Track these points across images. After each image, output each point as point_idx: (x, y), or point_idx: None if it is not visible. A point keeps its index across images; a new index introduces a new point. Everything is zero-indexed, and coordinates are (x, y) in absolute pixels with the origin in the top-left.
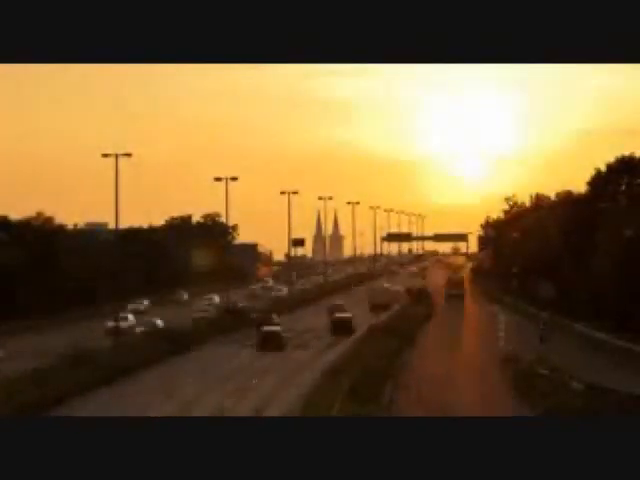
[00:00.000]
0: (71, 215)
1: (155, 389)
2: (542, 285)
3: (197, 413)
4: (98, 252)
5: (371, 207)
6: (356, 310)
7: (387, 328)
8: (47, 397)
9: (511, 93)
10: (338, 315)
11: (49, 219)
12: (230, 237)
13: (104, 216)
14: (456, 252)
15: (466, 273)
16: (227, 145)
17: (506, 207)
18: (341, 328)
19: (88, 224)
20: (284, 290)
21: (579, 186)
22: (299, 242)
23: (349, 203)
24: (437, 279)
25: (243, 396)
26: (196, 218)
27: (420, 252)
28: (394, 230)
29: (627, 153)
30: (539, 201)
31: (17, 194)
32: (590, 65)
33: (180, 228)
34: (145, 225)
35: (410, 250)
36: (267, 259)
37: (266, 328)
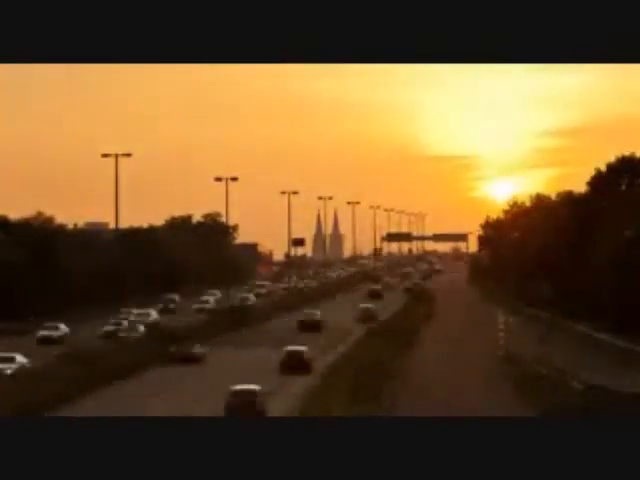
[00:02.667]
0: (71, 215)
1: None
2: (541, 286)
3: None
4: (98, 252)
5: (371, 207)
6: None
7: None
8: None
9: (505, 90)
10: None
11: (49, 219)
12: (230, 237)
13: (104, 216)
14: (456, 252)
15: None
16: (227, 145)
17: (506, 207)
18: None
19: (88, 224)
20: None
21: (579, 186)
22: (299, 242)
23: (349, 203)
24: None
25: None
26: (196, 218)
27: (421, 252)
28: (394, 229)
29: (627, 153)
30: (539, 201)
31: (17, 194)
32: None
33: (180, 228)
34: (145, 225)
35: (410, 250)
36: (267, 259)
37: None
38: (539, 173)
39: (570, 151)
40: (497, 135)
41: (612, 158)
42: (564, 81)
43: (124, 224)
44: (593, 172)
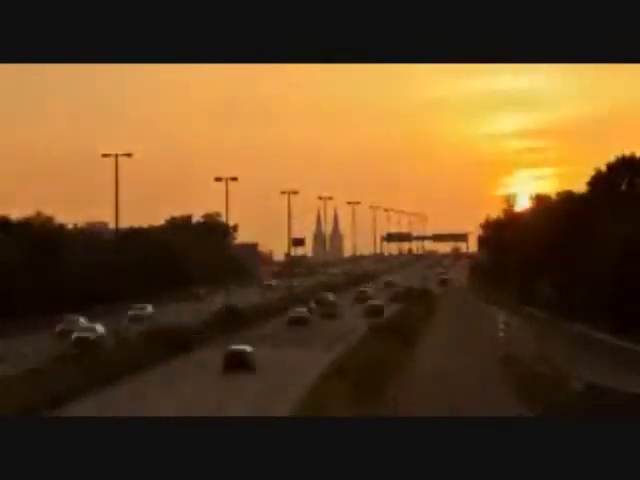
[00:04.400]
0: (71, 215)
1: None
2: (542, 286)
3: None
4: (98, 252)
5: (371, 207)
6: None
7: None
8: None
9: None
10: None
11: (49, 219)
12: (230, 237)
13: (104, 216)
14: (456, 252)
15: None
16: (227, 145)
17: (506, 207)
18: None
19: (88, 224)
20: None
21: (579, 186)
22: (299, 242)
23: (349, 203)
24: None
25: None
26: (196, 218)
27: (420, 252)
28: (394, 229)
29: (628, 153)
30: (539, 201)
31: (17, 194)
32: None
33: (180, 228)
34: (145, 225)
35: (410, 250)
36: (267, 259)
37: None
38: (537, 173)
39: (551, 151)
40: (493, 135)
41: (602, 158)
42: (542, 81)
43: (124, 224)
44: (583, 172)
